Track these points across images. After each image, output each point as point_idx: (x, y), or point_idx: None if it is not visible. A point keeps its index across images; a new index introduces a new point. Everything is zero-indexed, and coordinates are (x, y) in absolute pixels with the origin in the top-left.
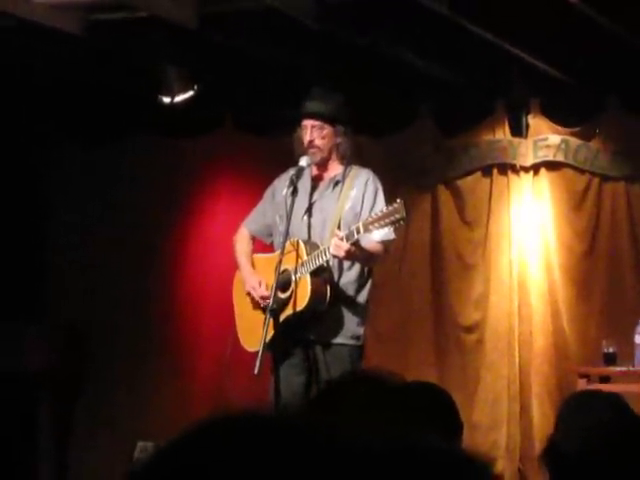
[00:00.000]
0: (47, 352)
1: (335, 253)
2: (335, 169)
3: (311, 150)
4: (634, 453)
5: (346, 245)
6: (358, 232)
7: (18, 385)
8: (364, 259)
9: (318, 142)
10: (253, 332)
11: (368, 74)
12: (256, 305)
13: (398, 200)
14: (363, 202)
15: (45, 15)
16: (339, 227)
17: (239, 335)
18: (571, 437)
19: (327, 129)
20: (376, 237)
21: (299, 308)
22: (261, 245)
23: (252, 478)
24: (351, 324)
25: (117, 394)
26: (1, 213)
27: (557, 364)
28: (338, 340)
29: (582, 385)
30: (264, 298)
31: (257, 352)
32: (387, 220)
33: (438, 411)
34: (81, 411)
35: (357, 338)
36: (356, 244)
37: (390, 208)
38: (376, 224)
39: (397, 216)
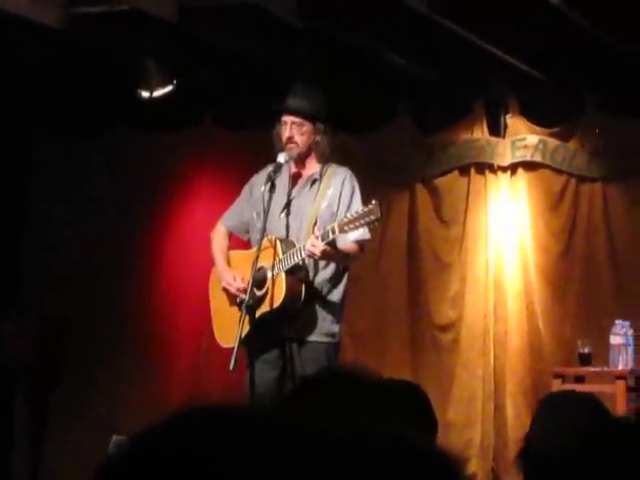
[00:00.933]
0: (24, 345)
1: (310, 252)
2: (313, 167)
3: (289, 146)
4: (610, 454)
5: (321, 245)
6: (333, 232)
7: None
8: (339, 259)
9: (297, 138)
10: (228, 328)
11: (348, 71)
12: (232, 302)
13: (373, 201)
14: (340, 201)
15: (25, 8)
16: (315, 226)
17: (215, 331)
18: (547, 438)
19: (307, 126)
20: (351, 237)
21: (274, 306)
22: (238, 241)
23: (224, 470)
24: (326, 322)
25: (93, 388)
26: None
27: (532, 364)
28: (313, 338)
29: (557, 385)
30: (241, 290)
31: (232, 348)
32: (362, 221)
33: (413, 408)
34: (57, 404)
35: (332, 336)
36: (331, 244)
37: (365, 209)
38: (351, 225)
39: (372, 217)
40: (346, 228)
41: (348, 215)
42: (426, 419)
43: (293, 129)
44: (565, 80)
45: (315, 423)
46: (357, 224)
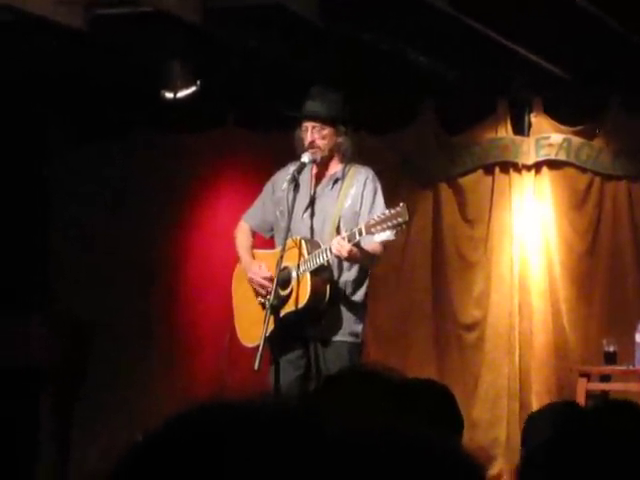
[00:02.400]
0: (51, 347)
1: (338, 253)
2: (335, 167)
3: (311, 150)
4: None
5: (348, 246)
6: (360, 234)
7: (19, 378)
8: (365, 259)
9: (319, 142)
10: (252, 328)
11: (371, 71)
12: (255, 300)
13: (401, 204)
14: (362, 201)
15: (49, 9)
16: (339, 225)
17: (237, 330)
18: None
19: (327, 129)
20: (377, 238)
21: (299, 306)
22: (261, 240)
23: (240, 464)
24: (350, 322)
25: (118, 386)
26: (5, 207)
27: (557, 363)
28: (337, 338)
29: (582, 384)
30: (267, 278)
31: (256, 347)
32: (390, 223)
33: (439, 408)
34: (82, 404)
35: (356, 335)
36: (357, 245)
37: (393, 211)
38: (378, 227)
39: (400, 220)
40: (373, 230)
41: (375, 217)
42: (452, 418)
43: (314, 134)
44: (590, 78)
45: (336, 420)
46: (384, 226)
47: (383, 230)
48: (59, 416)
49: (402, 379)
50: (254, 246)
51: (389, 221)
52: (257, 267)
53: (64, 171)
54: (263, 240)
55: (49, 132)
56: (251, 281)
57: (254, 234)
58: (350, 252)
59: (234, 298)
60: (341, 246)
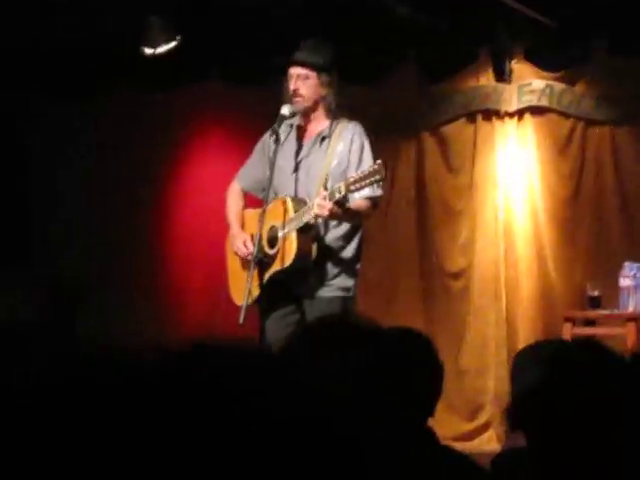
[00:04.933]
0: (37, 312)
1: (319, 212)
2: (322, 123)
3: (295, 99)
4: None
5: (329, 204)
6: (340, 192)
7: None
8: (349, 217)
9: (302, 91)
10: (243, 288)
11: (352, 21)
12: (246, 262)
13: (378, 161)
14: (350, 158)
15: None
16: (326, 183)
17: (230, 291)
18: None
19: (312, 79)
20: (363, 194)
21: (285, 265)
22: (253, 199)
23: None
24: (339, 277)
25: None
26: None
27: (543, 309)
28: (327, 294)
29: (567, 329)
30: (251, 254)
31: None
32: (367, 181)
33: (415, 354)
34: None
35: (347, 290)
36: (340, 203)
37: (370, 169)
38: (357, 184)
39: (377, 177)
40: (352, 187)
41: (354, 175)
42: (430, 364)
43: (298, 82)
44: (570, 24)
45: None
46: (363, 184)
47: (362, 188)
48: None
49: (374, 327)
50: (246, 206)
51: (367, 179)
52: (241, 243)
53: (44, 132)
54: (256, 200)
55: (30, 95)
56: (237, 254)
57: (245, 195)
58: (331, 211)
59: (227, 259)
60: (322, 206)
